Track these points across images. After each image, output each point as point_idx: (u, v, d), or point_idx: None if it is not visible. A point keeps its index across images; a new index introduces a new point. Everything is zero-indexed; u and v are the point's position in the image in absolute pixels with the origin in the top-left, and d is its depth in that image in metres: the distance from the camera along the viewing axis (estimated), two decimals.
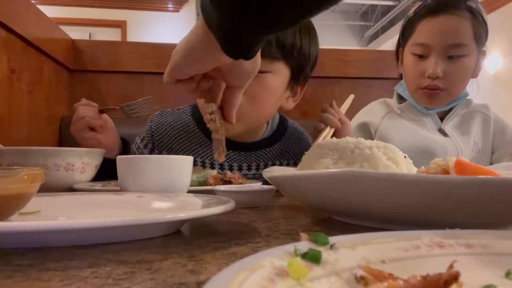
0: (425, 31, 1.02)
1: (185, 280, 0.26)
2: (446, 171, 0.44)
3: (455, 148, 1.08)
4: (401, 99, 1.17)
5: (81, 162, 0.75)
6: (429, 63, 1.02)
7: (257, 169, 0.96)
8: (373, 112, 1.18)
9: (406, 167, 0.50)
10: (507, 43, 4.85)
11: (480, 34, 1.02)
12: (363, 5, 6.94)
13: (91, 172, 0.79)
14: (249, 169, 0.95)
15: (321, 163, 0.51)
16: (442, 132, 1.11)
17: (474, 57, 1.04)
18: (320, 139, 0.88)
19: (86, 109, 0.87)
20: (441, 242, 0.25)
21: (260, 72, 0.70)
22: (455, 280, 0.18)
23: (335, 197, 0.42)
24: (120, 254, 0.32)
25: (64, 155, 0.73)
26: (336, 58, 1.72)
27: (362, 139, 0.52)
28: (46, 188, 0.52)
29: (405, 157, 0.51)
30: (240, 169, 0.94)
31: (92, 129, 0.88)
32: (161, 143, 0.96)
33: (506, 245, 0.25)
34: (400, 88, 1.15)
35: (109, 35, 5.08)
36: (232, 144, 0.92)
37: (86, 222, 0.32)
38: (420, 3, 1.06)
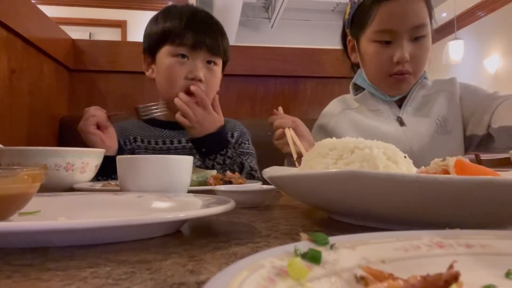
0: (386, 16, 0.97)
1: (185, 280, 0.26)
2: (446, 171, 0.44)
3: (411, 138, 1.04)
4: (356, 91, 1.14)
5: (81, 162, 0.75)
6: (395, 48, 0.98)
7: None
8: (328, 111, 1.17)
9: (406, 167, 0.50)
10: (507, 44, 4.85)
11: (432, 10, 1.00)
12: None
13: (91, 172, 0.79)
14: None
15: (321, 163, 0.51)
16: (399, 120, 1.07)
17: (430, 35, 1.01)
18: (291, 142, 0.94)
19: (97, 111, 1.01)
20: (441, 242, 0.25)
21: (214, 66, 1.13)
22: (455, 280, 0.18)
23: (335, 197, 0.42)
24: (120, 254, 0.32)
25: (64, 155, 0.73)
26: (336, 58, 1.71)
27: (362, 139, 0.52)
28: (46, 188, 0.52)
29: (405, 157, 0.51)
30: (187, 142, 1.18)
31: (98, 128, 1.00)
32: (124, 135, 1.18)
33: (506, 245, 0.25)
34: (360, 79, 1.10)
35: (109, 35, 5.08)
36: (177, 125, 1.12)
37: (86, 222, 0.32)
38: None
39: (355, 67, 1.14)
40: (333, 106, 1.18)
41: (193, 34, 1.08)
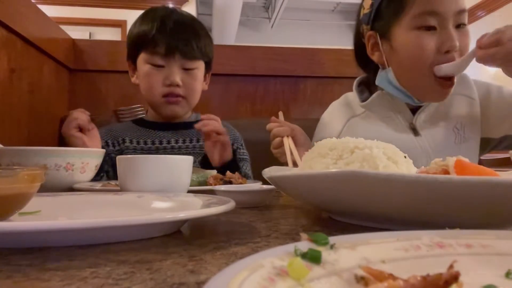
0: None
1: (185, 280, 0.26)
2: (446, 171, 0.44)
3: (427, 149, 0.94)
4: (361, 94, 1.03)
5: (81, 162, 0.75)
6: (442, 35, 0.85)
7: (191, 141, 1.23)
8: (331, 124, 1.06)
9: (406, 167, 0.50)
10: None
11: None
12: None
13: (91, 172, 0.79)
14: (184, 142, 1.22)
15: (321, 163, 0.51)
16: (413, 128, 0.96)
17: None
18: (288, 152, 0.90)
19: (80, 113, 1.00)
20: (441, 242, 0.25)
21: (191, 69, 1.13)
22: (455, 280, 0.18)
23: (335, 197, 0.42)
24: (120, 254, 0.32)
25: (64, 155, 0.73)
26: (336, 58, 1.72)
27: (362, 139, 0.52)
28: (46, 188, 0.52)
29: (405, 157, 0.51)
30: (176, 142, 1.21)
31: (80, 131, 1.00)
32: (112, 137, 1.20)
33: (506, 245, 0.25)
34: (384, 81, 0.94)
35: (110, 34, 5.08)
36: (166, 125, 1.21)
37: (86, 222, 0.32)
38: None
39: (376, 66, 1.00)
40: (337, 114, 1.07)
41: (164, 41, 1.09)
